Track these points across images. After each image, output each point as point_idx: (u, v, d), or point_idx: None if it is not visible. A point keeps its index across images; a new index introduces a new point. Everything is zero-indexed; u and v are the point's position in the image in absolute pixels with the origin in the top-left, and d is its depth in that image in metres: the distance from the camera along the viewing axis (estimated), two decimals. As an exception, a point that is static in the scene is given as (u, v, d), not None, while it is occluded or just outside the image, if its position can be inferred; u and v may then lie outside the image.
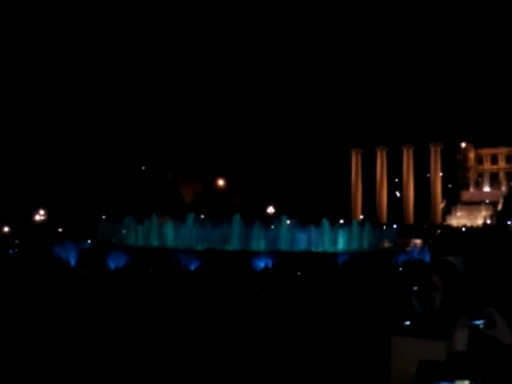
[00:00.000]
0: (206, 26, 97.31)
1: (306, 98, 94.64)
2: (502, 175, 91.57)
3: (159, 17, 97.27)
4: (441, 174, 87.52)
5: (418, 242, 54.03)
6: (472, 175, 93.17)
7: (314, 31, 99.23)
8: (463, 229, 71.21)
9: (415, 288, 15.83)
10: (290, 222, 46.30)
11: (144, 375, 10.01)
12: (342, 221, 55.21)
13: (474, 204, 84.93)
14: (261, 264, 28.06)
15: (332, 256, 33.32)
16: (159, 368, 10.39)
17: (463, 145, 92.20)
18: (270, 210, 77.26)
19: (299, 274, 23.87)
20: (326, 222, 42.07)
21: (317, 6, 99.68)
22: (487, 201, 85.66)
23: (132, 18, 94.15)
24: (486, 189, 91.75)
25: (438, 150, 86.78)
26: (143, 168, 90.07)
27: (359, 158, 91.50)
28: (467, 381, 4.35)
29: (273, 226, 45.25)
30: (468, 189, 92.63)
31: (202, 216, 55.36)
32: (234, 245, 39.29)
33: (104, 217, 58.52)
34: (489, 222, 78.65)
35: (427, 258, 35.82)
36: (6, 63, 78.70)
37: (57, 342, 11.74)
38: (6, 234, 59.90)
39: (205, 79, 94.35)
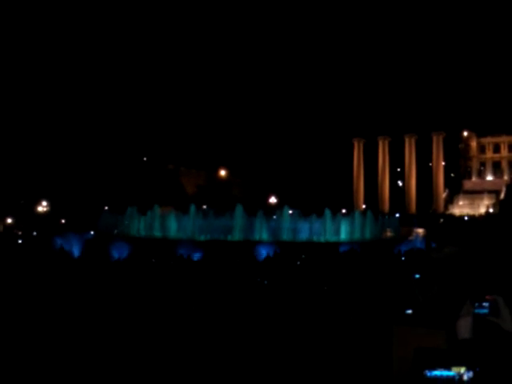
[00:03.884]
0: (206, 19, 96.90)
1: (307, 89, 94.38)
2: (504, 164, 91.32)
3: (157, 10, 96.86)
4: (443, 163, 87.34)
5: (421, 231, 54.10)
6: (474, 164, 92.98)
7: (316, 22, 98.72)
8: (465, 218, 71.19)
9: (417, 277, 15.85)
10: (292, 212, 46.37)
11: (146, 367, 10.09)
12: (344, 210, 55.28)
13: (476, 193, 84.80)
14: (263, 254, 28.16)
15: (334, 245, 33.40)
16: (161, 360, 10.46)
17: (465, 134, 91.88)
18: (272, 200, 77.28)
19: (299, 263, 23.94)
20: (327, 212, 42.14)
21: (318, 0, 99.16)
22: (489, 190, 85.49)
23: (130, 14, 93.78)
24: (489, 178, 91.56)
25: (440, 139, 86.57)
26: (145, 159, 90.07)
27: (361, 148, 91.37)
28: (464, 367, 4.40)
29: (275, 217, 45.35)
30: (470, 178, 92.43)
31: (205, 207, 55.47)
32: (236, 235, 39.42)
33: (106, 208, 58.65)
34: (491, 210, 78.59)
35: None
36: (6, 61, 78.58)
37: (59, 332, 11.82)
38: (9, 225, 60.11)
39: (205, 71, 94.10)
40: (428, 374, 4.55)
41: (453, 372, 4.45)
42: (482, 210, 79.11)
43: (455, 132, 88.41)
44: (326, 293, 16.17)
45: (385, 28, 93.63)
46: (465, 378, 4.48)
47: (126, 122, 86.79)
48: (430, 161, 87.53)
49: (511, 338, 5.58)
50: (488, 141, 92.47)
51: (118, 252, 27.76)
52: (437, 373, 4.49)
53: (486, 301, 6.65)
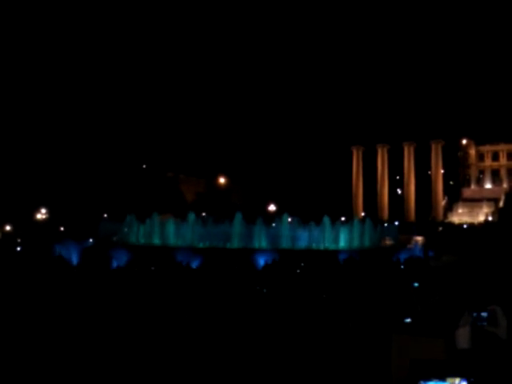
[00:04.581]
0: (207, 25, 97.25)
1: (307, 96, 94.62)
2: (503, 172, 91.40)
3: (160, 17, 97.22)
4: (442, 171, 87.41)
5: (420, 239, 54.08)
6: (473, 172, 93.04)
7: (316, 29, 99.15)
8: (464, 226, 71.19)
9: (416, 285, 15.83)
10: (291, 219, 46.35)
11: (145, 371, 10.08)
12: (343, 218, 55.24)
13: (475, 201, 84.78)
14: (262, 262, 28.16)
15: (333, 253, 33.40)
16: (160, 363, 10.46)
17: (464, 142, 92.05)
18: (272, 207, 77.27)
19: (299, 271, 23.95)
20: (326, 220, 42.13)
21: (318, 5, 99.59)
22: (488, 198, 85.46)
23: (132, 19, 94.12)
24: (488, 186, 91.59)
25: (439, 147, 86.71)
26: (144, 166, 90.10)
27: (360, 156, 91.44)
28: (458, 378, 4.44)
29: (274, 224, 45.32)
30: (469, 186, 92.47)
31: (204, 214, 55.47)
32: (235, 243, 39.37)
33: (105, 215, 58.66)
34: (490, 218, 78.54)
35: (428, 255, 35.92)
36: (6, 63, 78.77)
37: (59, 337, 11.81)
38: (8, 232, 60.05)
39: (206, 78, 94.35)
40: (423, 384, 4.60)
41: (447, 383, 4.49)
42: (481, 218, 79.11)
43: (454, 140, 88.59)
44: (326, 301, 16.16)
45: (384, 36, 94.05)
46: (459, 388, 4.51)
47: (126, 129, 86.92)
48: (429, 169, 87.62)
49: (507, 347, 5.63)
50: (487, 149, 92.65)
51: (118, 259, 27.74)
52: (432, 383, 4.53)
53: (484, 311, 6.68)
